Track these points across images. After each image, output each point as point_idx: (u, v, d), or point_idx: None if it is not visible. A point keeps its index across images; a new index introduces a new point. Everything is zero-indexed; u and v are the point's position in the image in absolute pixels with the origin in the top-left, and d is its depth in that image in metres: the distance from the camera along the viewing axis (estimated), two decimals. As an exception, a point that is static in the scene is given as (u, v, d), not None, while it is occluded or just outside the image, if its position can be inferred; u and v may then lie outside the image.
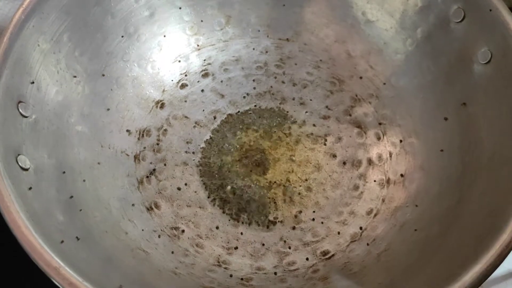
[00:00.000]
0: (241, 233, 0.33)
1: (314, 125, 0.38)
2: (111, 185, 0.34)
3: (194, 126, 0.38)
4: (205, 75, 0.41)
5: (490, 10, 0.30)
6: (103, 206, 0.32)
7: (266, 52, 0.42)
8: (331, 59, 0.41)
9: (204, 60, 0.42)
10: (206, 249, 0.33)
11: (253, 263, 0.32)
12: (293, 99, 0.40)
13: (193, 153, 0.37)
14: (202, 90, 0.40)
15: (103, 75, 0.37)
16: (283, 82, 0.41)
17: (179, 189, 0.35)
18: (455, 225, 0.28)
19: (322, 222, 0.34)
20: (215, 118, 0.39)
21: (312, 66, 0.41)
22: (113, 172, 0.34)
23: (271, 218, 0.34)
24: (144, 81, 0.39)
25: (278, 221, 0.34)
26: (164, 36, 0.41)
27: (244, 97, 0.40)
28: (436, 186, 0.32)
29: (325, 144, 0.37)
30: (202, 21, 0.42)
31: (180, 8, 0.41)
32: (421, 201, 0.33)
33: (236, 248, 0.33)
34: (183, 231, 0.33)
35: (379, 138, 0.37)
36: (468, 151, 0.31)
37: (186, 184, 0.36)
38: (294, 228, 0.34)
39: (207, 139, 0.38)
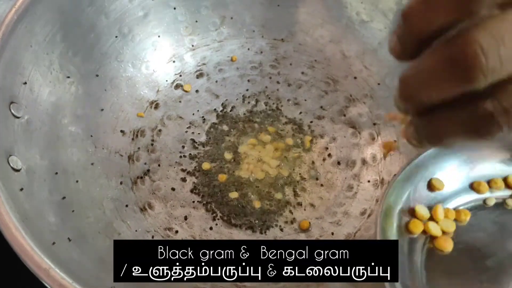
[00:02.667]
0: (235, 234, 0.33)
1: (308, 125, 0.38)
2: (104, 186, 0.34)
3: (189, 127, 0.38)
4: (200, 75, 0.41)
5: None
6: (96, 207, 0.32)
7: (261, 52, 0.42)
8: (326, 59, 0.41)
9: (199, 60, 0.42)
10: (200, 250, 0.33)
11: (246, 263, 0.32)
12: (288, 99, 0.40)
13: (187, 153, 0.37)
14: (197, 91, 0.40)
15: (97, 75, 0.37)
16: (278, 82, 0.41)
17: (173, 189, 0.35)
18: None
19: (316, 223, 0.34)
20: (209, 118, 0.39)
21: (307, 66, 0.41)
22: (107, 173, 0.34)
23: (264, 217, 0.34)
24: (139, 82, 0.39)
25: (272, 221, 0.34)
26: (159, 36, 0.40)
27: (238, 97, 0.40)
28: (430, 187, 0.32)
29: (319, 145, 0.37)
30: (196, 21, 0.42)
31: (174, 8, 0.40)
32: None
33: (229, 248, 0.33)
34: (176, 231, 0.33)
35: (373, 139, 0.37)
36: (462, 151, 0.31)
37: (180, 185, 0.35)
38: (287, 228, 0.34)
39: (201, 140, 0.38)
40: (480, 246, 0.22)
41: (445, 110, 0.17)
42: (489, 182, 0.26)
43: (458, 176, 0.26)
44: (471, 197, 0.26)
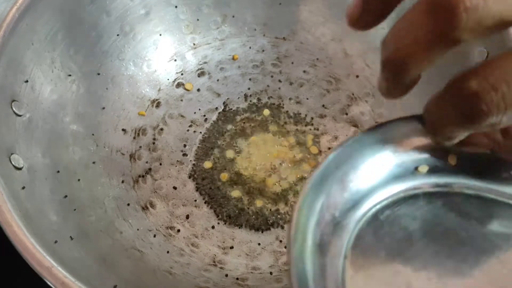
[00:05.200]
0: (237, 233, 0.33)
1: (310, 124, 0.38)
2: (106, 185, 0.34)
3: (190, 125, 0.38)
4: (201, 74, 0.41)
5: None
6: (98, 205, 0.32)
7: (263, 51, 0.42)
8: (327, 57, 0.41)
9: (200, 59, 0.42)
10: (202, 248, 0.32)
11: (248, 262, 0.32)
12: (290, 98, 0.40)
13: (189, 152, 0.37)
14: (198, 89, 0.40)
15: (98, 74, 0.37)
16: (279, 80, 0.41)
17: (174, 188, 0.35)
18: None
19: (318, 222, 0.34)
20: (211, 117, 0.39)
21: (309, 65, 0.41)
22: (108, 172, 0.34)
23: (266, 216, 0.34)
24: (140, 80, 0.39)
25: (274, 220, 0.34)
26: (160, 34, 0.40)
27: (240, 96, 0.40)
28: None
29: (321, 143, 0.37)
30: (198, 19, 0.41)
31: (176, 6, 0.40)
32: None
33: (231, 247, 0.33)
34: (178, 230, 0.33)
35: (375, 137, 0.37)
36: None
37: (182, 184, 0.35)
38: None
39: (203, 138, 0.38)
40: (401, 247, 0.20)
41: (436, 97, 0.17)
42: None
43: (375, 172, 0.23)
44: (390, 191, 0.23)
